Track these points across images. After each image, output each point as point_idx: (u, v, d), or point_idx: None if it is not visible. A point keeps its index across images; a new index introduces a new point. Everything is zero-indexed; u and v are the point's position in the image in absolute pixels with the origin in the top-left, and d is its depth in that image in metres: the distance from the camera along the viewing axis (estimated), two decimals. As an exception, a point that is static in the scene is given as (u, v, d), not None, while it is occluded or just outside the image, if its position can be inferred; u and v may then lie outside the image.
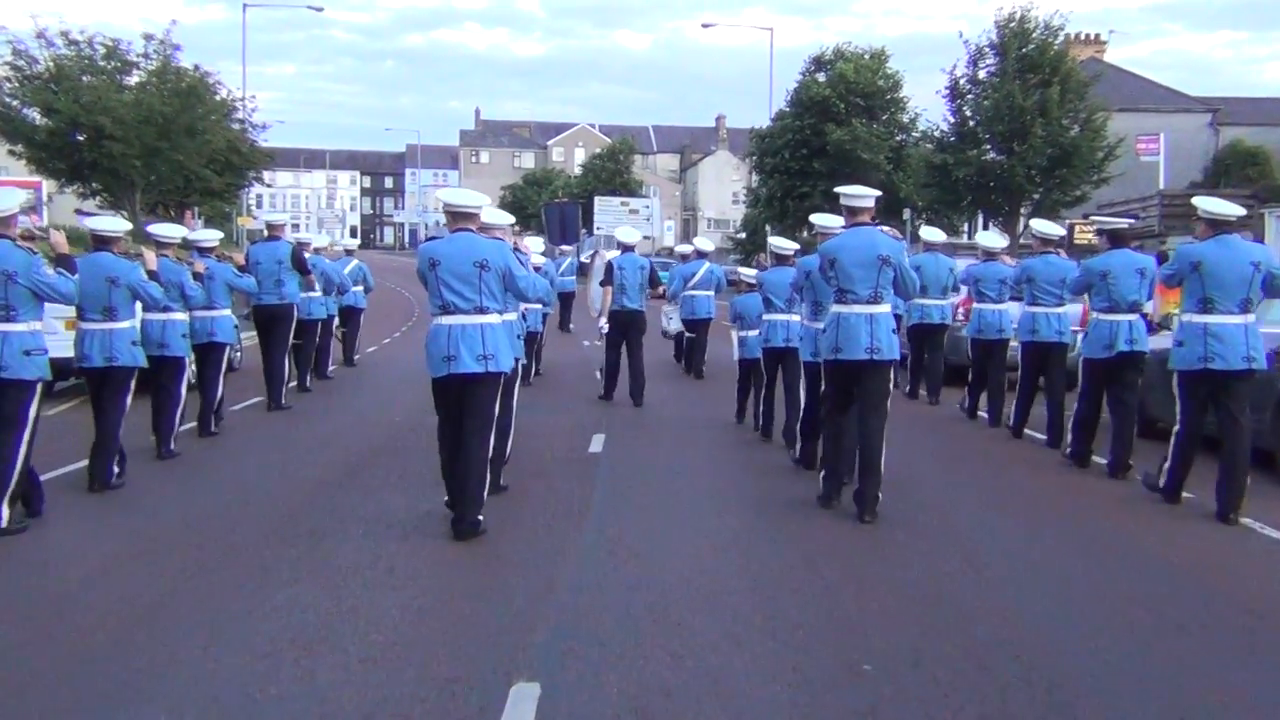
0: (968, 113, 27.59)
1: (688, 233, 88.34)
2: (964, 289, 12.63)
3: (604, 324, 12.77)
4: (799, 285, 8.54)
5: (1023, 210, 27.05)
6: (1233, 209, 7.35)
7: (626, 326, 12.57)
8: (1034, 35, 26.62)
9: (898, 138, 34.64)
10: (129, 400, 8.00)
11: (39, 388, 6.61)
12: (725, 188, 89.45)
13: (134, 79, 32.38)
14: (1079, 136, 26.38)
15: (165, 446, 8.92)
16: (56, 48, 30.92)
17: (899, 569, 6.02)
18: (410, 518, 7.00)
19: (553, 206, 46.43)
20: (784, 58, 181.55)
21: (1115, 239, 8.93)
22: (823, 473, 7.46)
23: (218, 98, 35.08)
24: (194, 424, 9.97)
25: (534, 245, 12.58)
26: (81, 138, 30.47)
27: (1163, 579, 6.01)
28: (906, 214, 31.42)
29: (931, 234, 13.50)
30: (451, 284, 6.39)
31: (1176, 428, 7.45)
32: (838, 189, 7.69)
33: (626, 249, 12.92)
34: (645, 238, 60.90)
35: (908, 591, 5.59)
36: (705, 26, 42.35)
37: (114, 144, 29.71)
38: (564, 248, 26.90)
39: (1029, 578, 5.98)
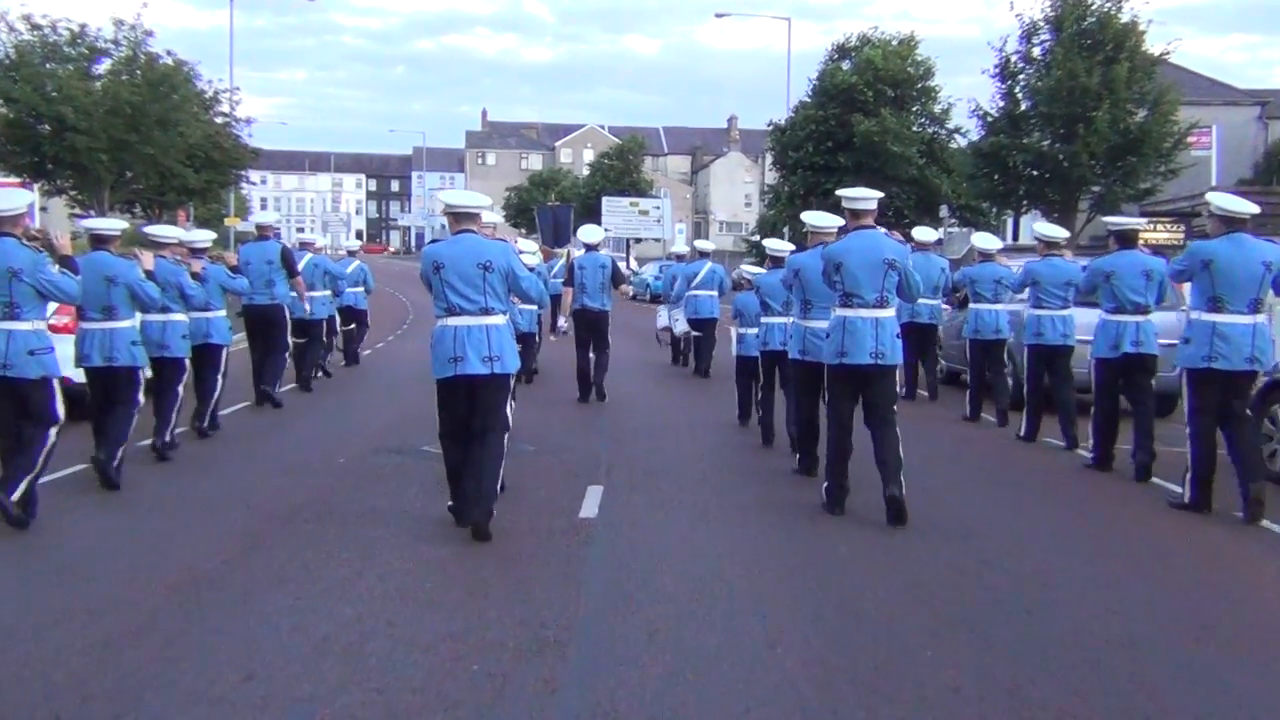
0: (1019, 94, 24.36)
1: (699, 236, 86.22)
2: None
3: (563, 323, 13.37)
4: (788, 283, 8.31)
5: (1081, 206, 23.98)
6: (1248, 206, 7.17)
7: (589, 326, 12.63)
8: (1093, 7, 23.50)
9: (929, 130, 31.70)
10: (141, 397, 7.99)
11: (55, 384, 6.65)
12: (738, 189, 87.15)
13: (104, 67, 29.90)
14: (1148, 120, 23.20)
15: (161, 440, 8.84)
16: (19, 33, 28.47)
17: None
18: (321, 631, 4.45)
19: (545, 209, 46.07)
20: (795, 60, 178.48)
21: (1123, 240, 8.86)
22: (825, 485, 7.20)
23: (198, 88, 32.64)
24: (185, 427, 9.65)
25: (528, 247, 13.02)
26: (46, 129, 27.99)
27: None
28: (944, 210, 28.60)
29: (924, 234, 13.40)
30: (457, 286, 6.35)
31: (1187, 429, 7.28)
32: (840, 191, 7.54)
33: (590, 248, 12.93)
34: (655, 240, 58.61)
35: None
36: (719, 16, 40.43)
37: (78, 136, 27.21)
38: (556, 250, 26.96)
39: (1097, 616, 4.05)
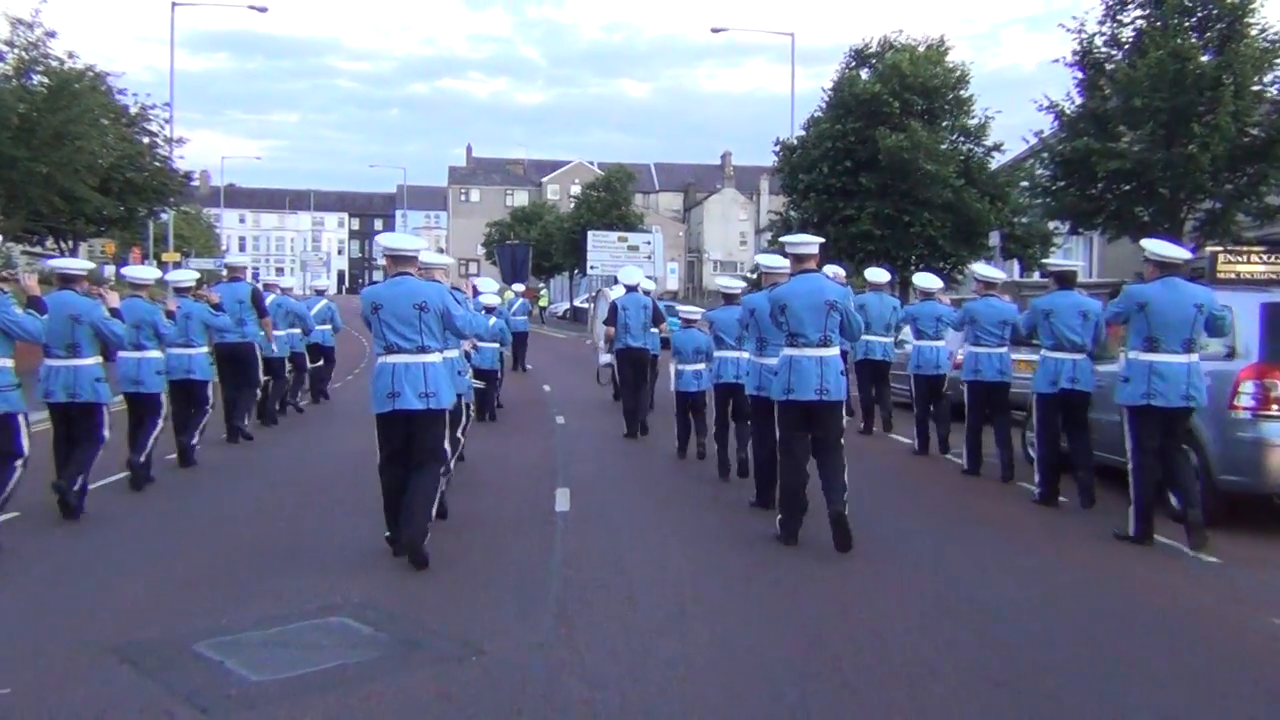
0: (1106, 89, 18.95)
1: (691, 276, 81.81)
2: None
3: (606, 359, 14.88)
4: (744, 323, 8.80)
5: (1189, 225, 18.56)
6: (1179, 252, 7.72)
7: (634, 364, 13.04)
8: (1200, -28, 18.13)
9: (964, 146, 26.98)
10: (106, 433, 8.27)
11: (20, 420, 7.12)
12: (732, 227, 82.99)
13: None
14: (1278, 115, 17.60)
15: (144, 477, 9.17)
16: (-104, 34, 24.00)
17: None
18: None
19: (504, 248, 47.91)
20: (781, 103, 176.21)
21: (1061, 280, 9.32)
22: (779, 517, 7.52)
23: (116, 100, 28.17)
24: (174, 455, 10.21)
25: (487, 286, 13.51)
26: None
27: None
28: (994, 239, 23.84)
29: (875, 275, 13.65)
30: (394, 325, 6.76)
31: (1130, 464, 7.67)
32: (784, 238, 8.48)
33: (630, 289, 13.50)
34: (648, 278, 54.14)
35: None
36: (715, 31, 36.72)
37: (-47, 152, 22.68)
38: (515, 287, 27.50)
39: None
